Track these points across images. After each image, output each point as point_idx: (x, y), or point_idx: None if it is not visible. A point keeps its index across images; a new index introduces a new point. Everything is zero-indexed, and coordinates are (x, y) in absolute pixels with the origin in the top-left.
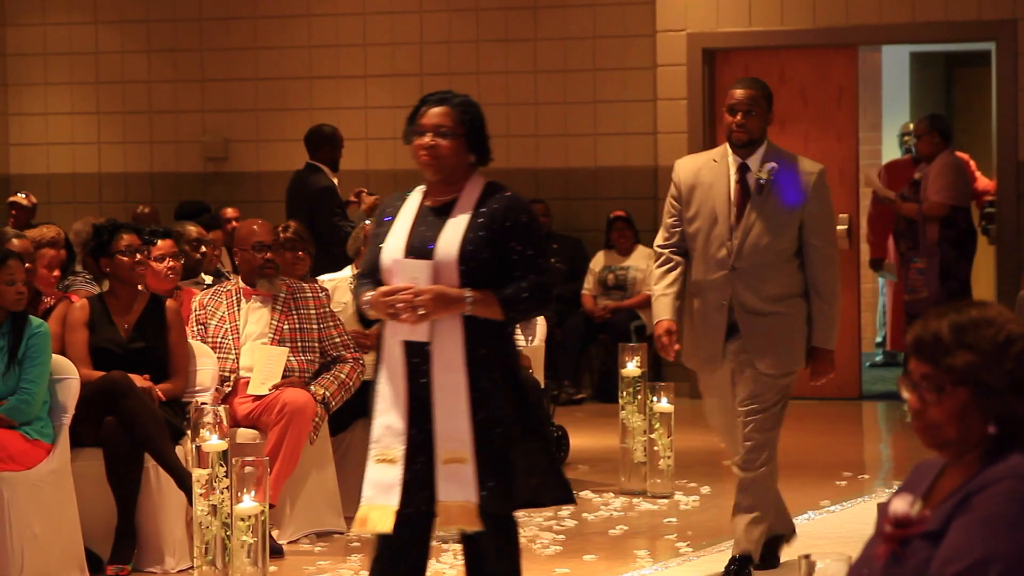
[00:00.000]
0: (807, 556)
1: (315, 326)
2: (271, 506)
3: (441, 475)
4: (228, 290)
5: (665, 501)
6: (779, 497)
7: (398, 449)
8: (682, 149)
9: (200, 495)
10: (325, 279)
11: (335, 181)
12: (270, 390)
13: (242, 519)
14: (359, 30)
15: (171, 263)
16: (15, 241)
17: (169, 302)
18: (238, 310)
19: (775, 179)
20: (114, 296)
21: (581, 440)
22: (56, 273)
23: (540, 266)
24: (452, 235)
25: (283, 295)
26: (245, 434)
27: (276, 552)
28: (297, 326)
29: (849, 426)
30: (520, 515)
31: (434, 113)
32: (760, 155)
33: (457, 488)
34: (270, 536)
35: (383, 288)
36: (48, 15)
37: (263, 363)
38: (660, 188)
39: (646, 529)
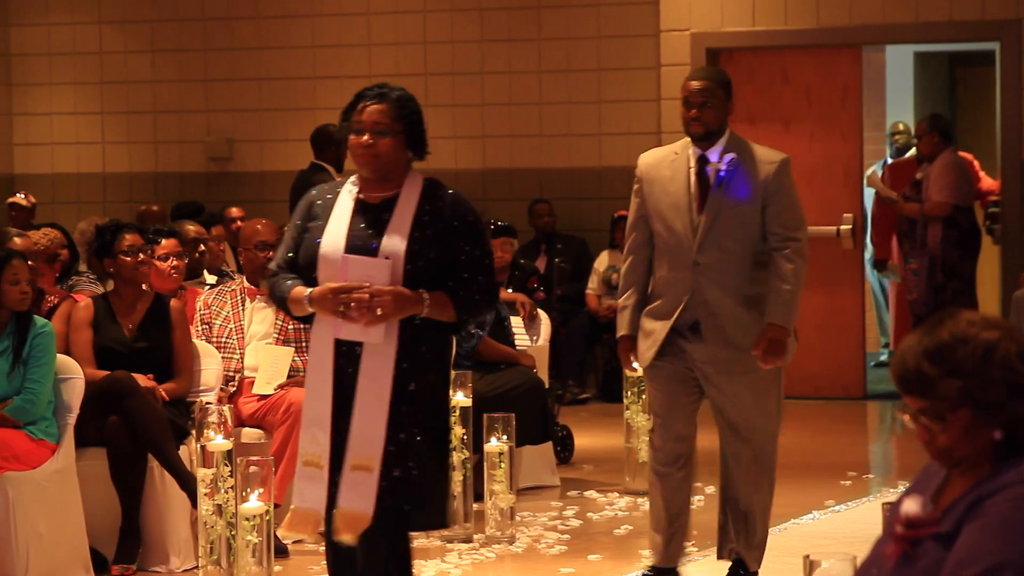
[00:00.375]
0: (809, 556)
1: None
2: (276, 505)
3: (344, 480)
4: (232, 290)
5: None
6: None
7: (324, 453)
8: None
9: (205, 495)
10: None
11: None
12: (275, 390)
13: (247, 519)
14: (363, 30)
15: (175, 262)
16: (17, 240)
17: (173, 302)
18: (243, 310)
19: (732, 172)
20: (118, 296)
21: (585, 440)
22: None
23: (487, 267)
24: (398, 232)
25: None
26: (250, 434)
27: (281, 552)
28: (302, 326)
29: (854, 426)
30: (525, 514)
31: (372, 110)
32: (721, 146)
33: (358, 497)
34: (275, 536)
35: (333, 285)
36: (52, 15)
37: (268, 363)
38: None
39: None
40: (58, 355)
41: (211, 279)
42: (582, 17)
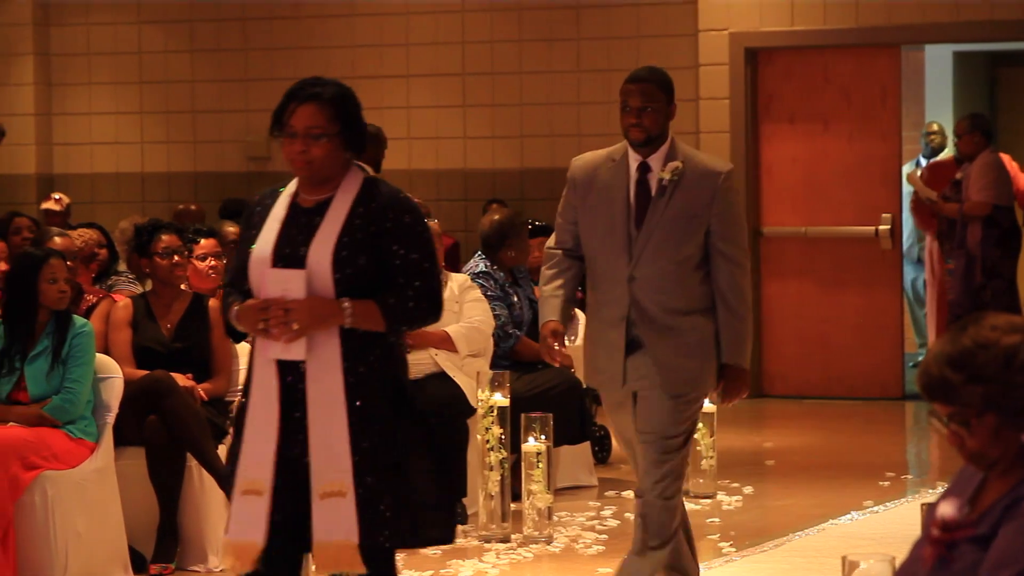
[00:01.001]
0: (847, 557)
1: None
2: None
3: (317, 511)
4: None
5: (708, 501)
6: (683, 539)
7: (266, 479)
8: (724, 149)
9: None
10: None
11: None
12: None
13: None
14: (402, 30)
15: (213, 262)
16: (58, 240)
17: (211, 301)
18: None
19: (675, 182)
20: (156, 296)
21: None
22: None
23: (427, 271)
24: (326, 239)
25: None
26: None
27: None
28: None
29: (892, 426)
30: (562, 514)
31: (304, 112)
32: (663, 153)
33: (336, 526)
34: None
35: (252, 301)
36: (92, 15)
37: None
38: None
39: None
40: (97, 354)
41: None
42: (621, 17)
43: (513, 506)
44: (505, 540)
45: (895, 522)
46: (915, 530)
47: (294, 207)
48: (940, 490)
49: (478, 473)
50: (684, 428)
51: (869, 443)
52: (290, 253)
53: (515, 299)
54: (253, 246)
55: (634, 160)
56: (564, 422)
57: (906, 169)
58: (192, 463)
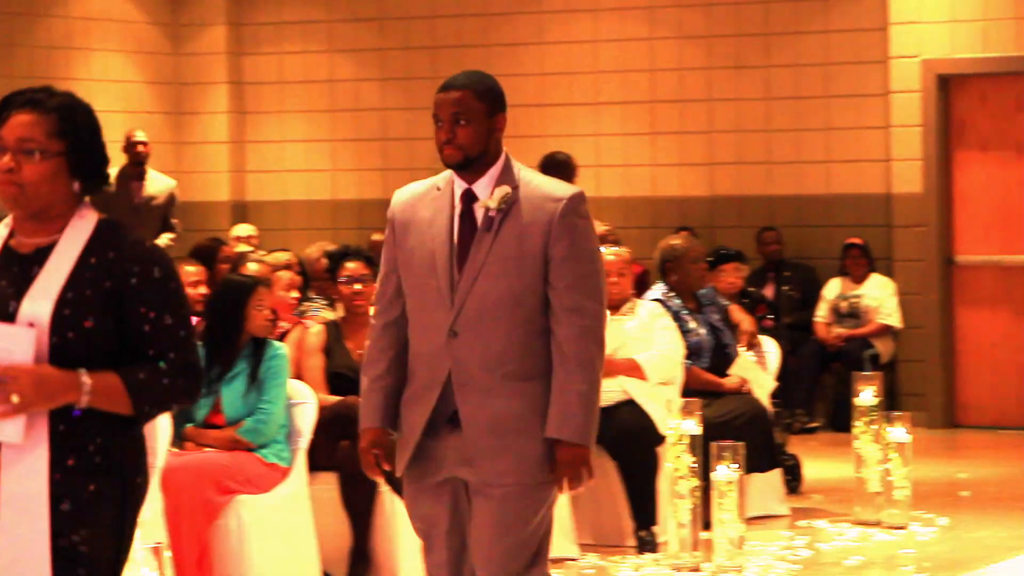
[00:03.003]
0: None
1: None
2: None
3: None
4: None
5: (901, 532)
6: None
7: None
8: (916, 177)
9: None
10: None
11: None
12: None
13: None
14: (590, 57)
15: None
16: (252, 267)
17: None
18: None
19: (505, 212)
20: (347, 322)
21: (815, 469)
22: (295, 295)
23: (182, 340)
24: (44, 293)
25: None
26: None
27: None
28: None
29: None
30: (753, 543)
31: (19, 122)
32: (492, 178)
33: None
34: None
35: None
36: (284, 45)
37: None
38: (895, 216)
39: (882, 560)
40: (291, 380)
41: None
42: (810, 44)
43: (703, 535)
44: (696, 569)
45: None
46: None
47: (7, 252)
48: None
49: (668, 501)
50: (530, 525)
51: None
52: None
53: (691, 325)
54: None
55: (459, 188)
56: (752, 450)
57: None
58: (384, 488)
